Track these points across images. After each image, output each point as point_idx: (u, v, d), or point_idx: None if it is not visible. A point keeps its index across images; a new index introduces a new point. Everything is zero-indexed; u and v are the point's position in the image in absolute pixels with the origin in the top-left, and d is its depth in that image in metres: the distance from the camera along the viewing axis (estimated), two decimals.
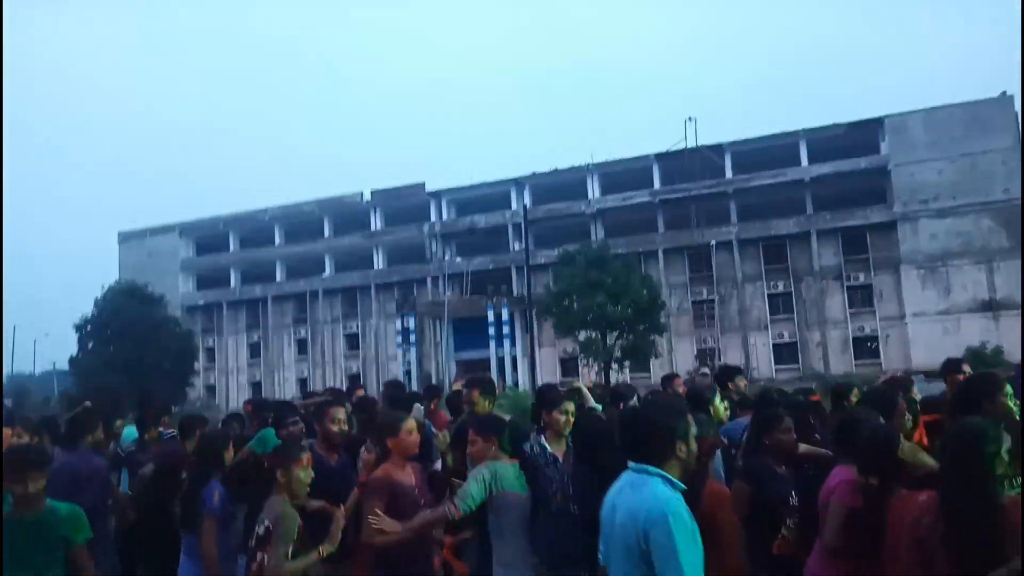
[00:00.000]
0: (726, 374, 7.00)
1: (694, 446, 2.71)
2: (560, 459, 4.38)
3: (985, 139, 36.79)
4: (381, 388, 9.46)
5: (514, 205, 45.78)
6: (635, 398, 6.34)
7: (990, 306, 36.16)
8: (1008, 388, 3.97)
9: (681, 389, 7.10)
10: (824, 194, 39.99)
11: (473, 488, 3.99)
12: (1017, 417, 3.98)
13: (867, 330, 38.78)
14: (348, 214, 49.63)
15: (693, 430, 2.73)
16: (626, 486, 2.66)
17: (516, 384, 34.89)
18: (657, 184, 43.49)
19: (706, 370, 10.66)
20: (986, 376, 4.34)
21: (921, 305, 37.24)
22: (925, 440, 4.73)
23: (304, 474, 3.86)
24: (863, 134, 39.63)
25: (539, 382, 25.42)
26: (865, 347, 38.40)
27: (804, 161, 40.74)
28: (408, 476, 4.29)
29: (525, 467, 4.25)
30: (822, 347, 38.94)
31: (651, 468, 2.59)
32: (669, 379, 7.86)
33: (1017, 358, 15.96)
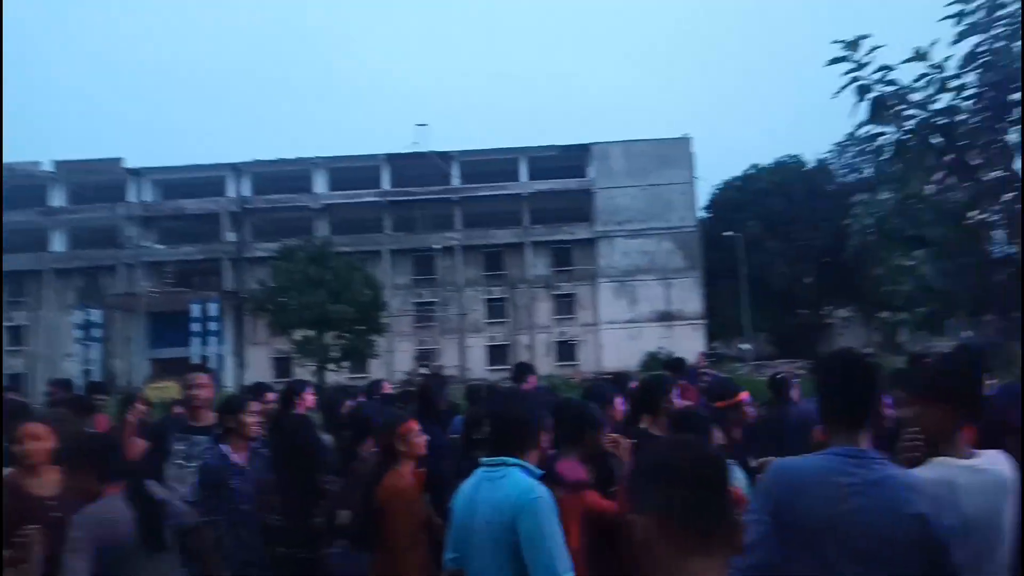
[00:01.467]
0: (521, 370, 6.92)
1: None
2: (246, 466, 3.78)
3: (669, 172, 42.62)
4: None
5: (231, 192, 42.33)
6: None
7: (667, 317, 41.83)
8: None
9: (388, 389, 7.14)
10: (539, 209, 43.16)
11: None
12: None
13: (568, 335, 42.58)
14: (21, 186, 41.80)
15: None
16: (483, 481, 2.59)
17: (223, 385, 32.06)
18: (386, 185, 43.33)
19: (426, 370, 10.60)
20: (658, 377, 4.76)
21: (613, 314, 41.86)
22: None
23: None
24: (574, 157, 43.56)
25: (248, 383, 23.53)
26: (566, 350, 42.09)
27: (524, 177, 43.58)
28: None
29: (203, 483, 3.64)
30: (531, 350, 41.84)
31: (510, 459, 2.59)
32: (377, 384, 7.41)
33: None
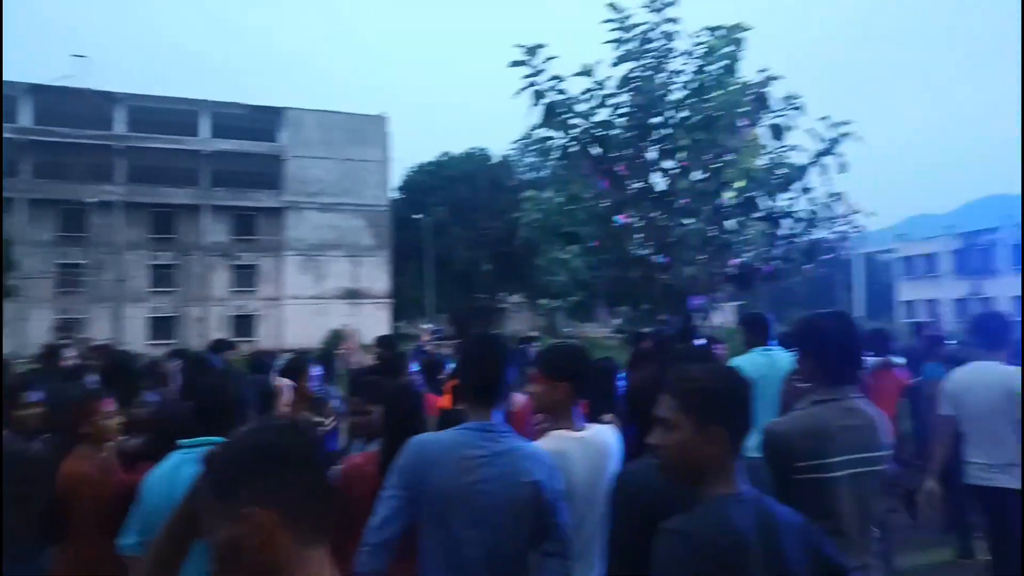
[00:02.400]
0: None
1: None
2: None
3: (364, 149, 42.32)
4: None
5: None
6: None
7: (353, 295, 41.62)
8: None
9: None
10: (221, 170, 39.74)
11: None
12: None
13: (248, 309, 40.08)
14: None
15: None
16: (183, 464, 2.34)
17: None
18: (26, 121, 36.25)
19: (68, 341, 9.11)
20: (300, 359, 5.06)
21: (298, 289, 40.43)
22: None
23: None
24: (264, 120, 40.92)
25: None
26: (244, 325, 39.57)
27: (205, 133, 39.75)
28: None
29: None
30: (202, 323, 38.52)
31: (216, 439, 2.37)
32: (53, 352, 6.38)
33: (370, 339, 18.32)
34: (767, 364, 4.62)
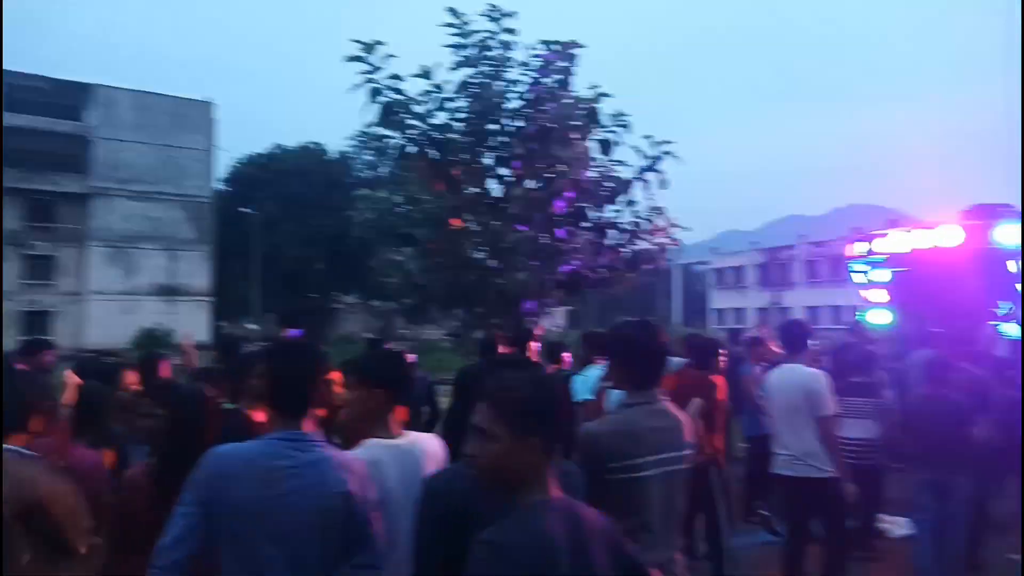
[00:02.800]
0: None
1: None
2: None
3: (186, 135, 39.36)
4: None
5: None
6: None
7: (170, 291, 38.56)
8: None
9: None
10: (15, 149, 35.21)
11: None
12: None
13: (44, 304, 35.87)
14: None
15: None
16: None
17: None
18: None
19: None
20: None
21: (104, 283, 36.79)
22: None
23: None
24: (68, 95, 36.89)
25: None
26: (39, 321, 35.33)
27: None
28: None
29: None
30: None
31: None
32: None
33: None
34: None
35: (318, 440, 2.10)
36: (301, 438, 2.05)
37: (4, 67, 35.19)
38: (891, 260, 8.67)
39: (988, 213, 8.00)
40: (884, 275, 8.79)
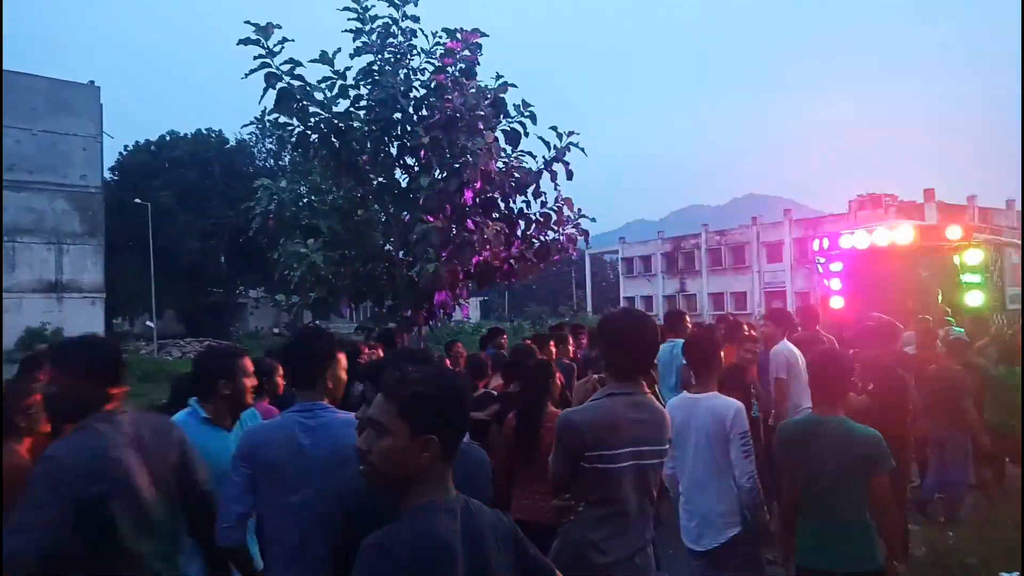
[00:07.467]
0: None
1: None
2: None
3: (69, 121, 36.78)
4: None
5: None
6: None
7: (56, 288, 36.11)
8: None
9: None
10: None
11: None
12: None
13: None
14: None
15: None
16: None
17: None
18: None
19: None
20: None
21: None
22: None
23: None
24: None
25: None
26: None
27: None
28: None
29: None
30: None
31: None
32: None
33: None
34: None
35: (325, 408, 2.56)
36: (313, 407, 2.54)
37: None
38: (846, 254, 9.92)
39: (874, 202, 8.71)
40: (838, 266, 10.08)
